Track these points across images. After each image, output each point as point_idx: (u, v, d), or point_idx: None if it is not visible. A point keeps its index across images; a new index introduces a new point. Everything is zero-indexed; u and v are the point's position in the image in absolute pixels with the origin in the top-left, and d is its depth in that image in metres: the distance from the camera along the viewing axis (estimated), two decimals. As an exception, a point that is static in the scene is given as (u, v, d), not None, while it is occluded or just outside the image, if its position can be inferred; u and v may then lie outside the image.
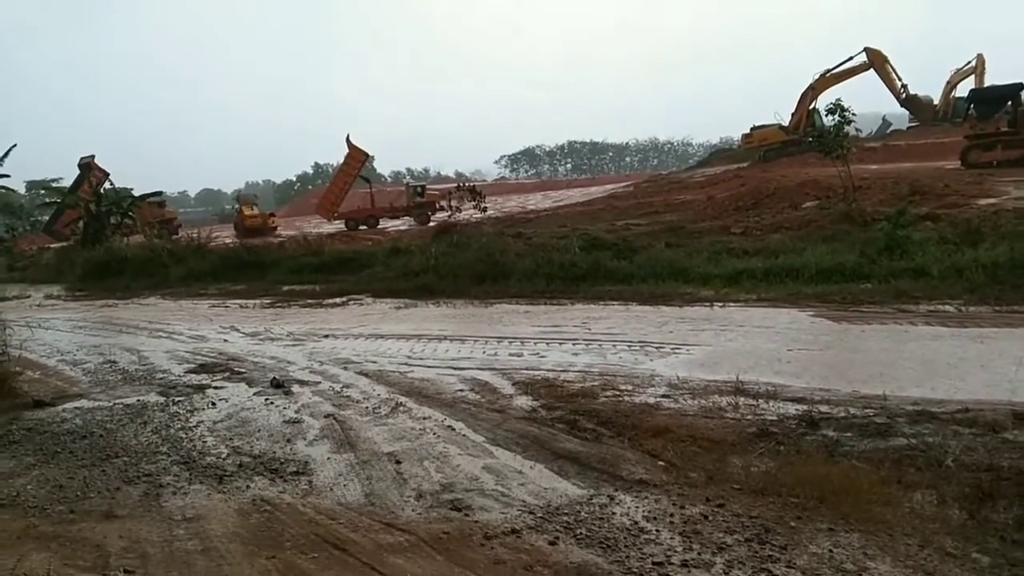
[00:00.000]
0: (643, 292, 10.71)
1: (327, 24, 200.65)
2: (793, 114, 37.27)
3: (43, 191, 41.47)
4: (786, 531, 3.39)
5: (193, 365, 7.89)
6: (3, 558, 3.48)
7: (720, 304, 9.53)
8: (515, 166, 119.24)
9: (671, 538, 3.39)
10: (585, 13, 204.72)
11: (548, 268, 12.28)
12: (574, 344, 7.76)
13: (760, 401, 5.30)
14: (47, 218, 42.54)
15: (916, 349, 6.59)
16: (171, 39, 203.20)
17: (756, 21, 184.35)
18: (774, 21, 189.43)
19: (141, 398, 6.54)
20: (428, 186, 41.70)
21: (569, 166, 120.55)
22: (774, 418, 4.93)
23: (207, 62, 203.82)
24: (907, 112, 40.13)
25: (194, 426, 5.61)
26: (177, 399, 6.41)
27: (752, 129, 39.65)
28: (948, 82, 37.47)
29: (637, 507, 3.74)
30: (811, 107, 35.15)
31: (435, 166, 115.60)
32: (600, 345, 7.60)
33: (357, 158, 38.21)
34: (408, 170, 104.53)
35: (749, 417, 4.99)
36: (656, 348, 7.29)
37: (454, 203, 30.62)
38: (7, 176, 19.42)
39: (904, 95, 37.72)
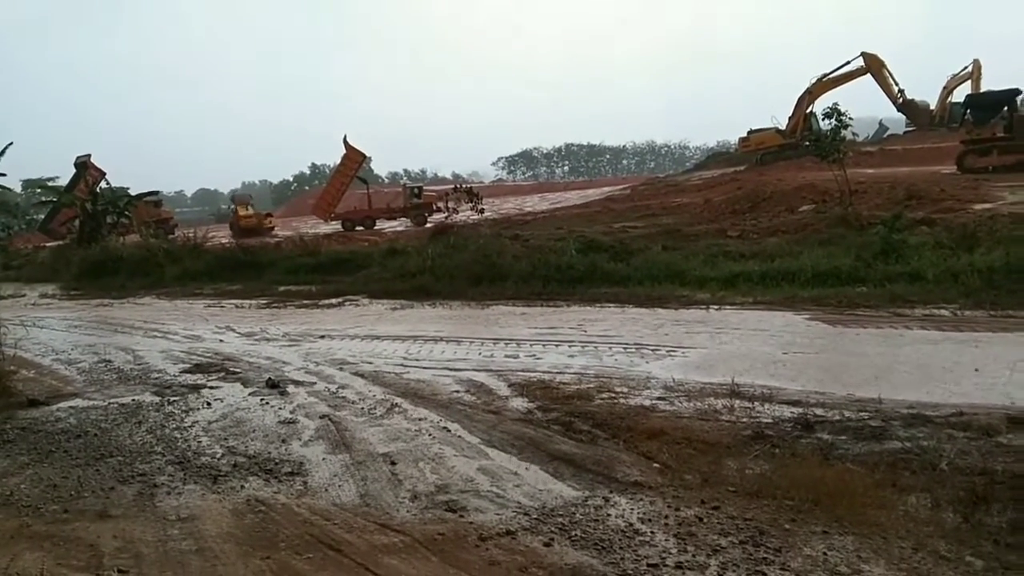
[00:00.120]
0: (639, 294, 10.71)
1: (327, 24, 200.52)
2: (790, 118, 37.30)
3: (39, 190, 41.23)
4: (780, 533, 3.40)
5: (188, 365, 7.89)
6: (-4, 557, 3.47)
7: (716, 307, 9.54)
8: (512, 168, 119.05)
9: (666, 540, 3.40)
10: (585, 13, 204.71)
11: (545, 270, 12.26)
12: (570, 346, 7.76)
13: (755, 404, 5.31)
14: (43, 217, 42.29)
15: (911, 353, 6.61)
16: (169, 39, 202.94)
17: (756, 21, 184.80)
18: (774, 21, 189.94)
19: (136, 398, 6.53)
20: (425, 187, 41.63)
21: (566, 168, 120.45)
22: (769, 421, 4.94)
23: (206, 62, 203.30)
24: (903, 117, 40.20)
25: (189, 426, 5.61)
26: (172, 399, 6.40)
27: (749, 133, 39.71)
28: (944, 87, 37.55)
29: (632, 509, 3.75)
30: (808, 111, 35.13)
31: (432, 167, 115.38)
32: (596, 347, 7.60)
33: (354, 159, 38.16)
34: (405, 171, 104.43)
35: (744, 420, 5.00)
36: (652, 350, 7.29)
37: (451, 204, 30.54)
38: (3, 175, 19.30)
39: (901, 100, 37.77)
